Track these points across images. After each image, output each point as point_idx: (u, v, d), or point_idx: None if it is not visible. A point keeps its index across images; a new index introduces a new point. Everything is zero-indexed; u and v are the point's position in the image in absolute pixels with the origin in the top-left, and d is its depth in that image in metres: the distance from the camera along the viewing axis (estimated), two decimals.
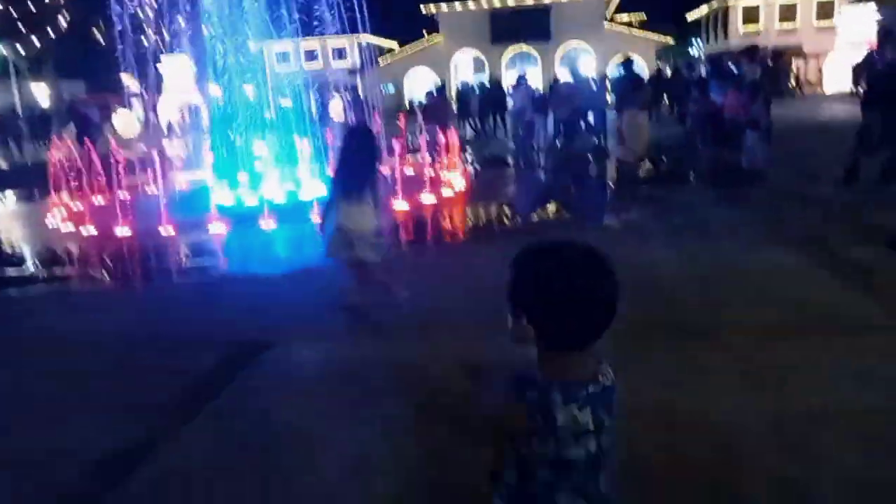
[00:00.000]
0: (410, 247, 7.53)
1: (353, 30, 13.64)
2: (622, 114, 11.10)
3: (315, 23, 12.30)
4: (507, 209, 9.29)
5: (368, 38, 42.15)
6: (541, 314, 1.28)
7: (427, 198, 9.66)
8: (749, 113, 9.32)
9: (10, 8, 42.43)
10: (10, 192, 14.42)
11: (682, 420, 3.10)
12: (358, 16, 12.27)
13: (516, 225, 8.25)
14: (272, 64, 15.42)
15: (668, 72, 26.40)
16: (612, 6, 46.23)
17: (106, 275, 7.25)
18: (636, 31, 46.98)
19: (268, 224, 8.46)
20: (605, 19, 45.49)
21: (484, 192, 10.70)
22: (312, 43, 40.60)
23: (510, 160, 15.01)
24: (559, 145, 15.44)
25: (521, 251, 1.33)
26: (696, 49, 56.01)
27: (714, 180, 9.54)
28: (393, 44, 46.26)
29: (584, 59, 43.77)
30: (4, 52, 45.14)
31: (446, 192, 10.23)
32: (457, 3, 41.70)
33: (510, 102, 18.83)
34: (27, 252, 8.72)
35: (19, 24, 41.78)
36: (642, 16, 54.71)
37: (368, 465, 2.90)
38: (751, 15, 43.51)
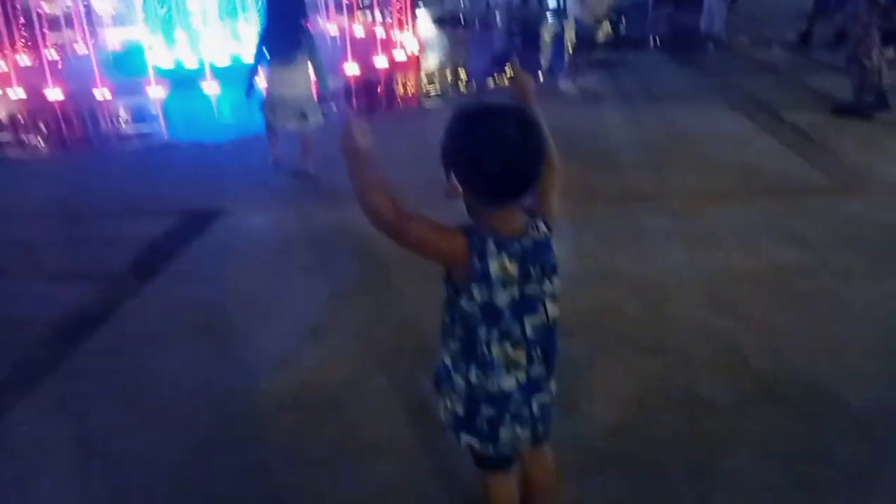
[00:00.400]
0: (358, 113, 7.35)
1: None
2: None
3: None
4: (461, 73, 9.04)
5: None
6: (462, 170, 1.35)
7: (378, 60, 9.28)
8: None
9: None
10: None
11: (619, 278, 3.27)
12: None
13: (471, 90, 8.07)
14: None
15: None
16: None
17: (41, 141, 6.90)
18: None
19: (210, 87, 8.06)
20: None
21: (438, 55, 10.33)
22: None
23: (465, 20, 14.39)
24: (515, 4, 14.85)
25: (452, 112, 1.37)
26: None
27: (672, 44, 9.39)
28: None
29: None
30: None
31: (398, 55, 9.83)
32: None
33: None
34: None
35: None
36: None
37: (325, 325, 3.00)
38: None
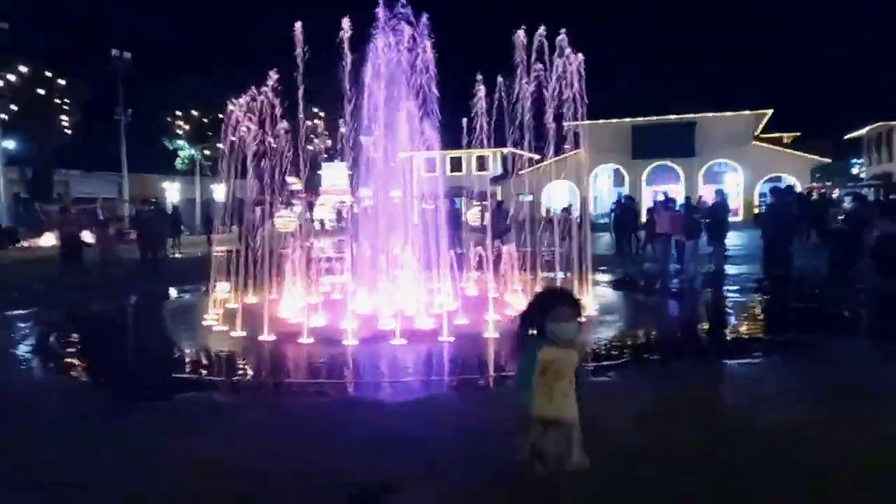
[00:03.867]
0: None
1: (498, 144, 14.19)
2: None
3: (464, 138, 12.97)
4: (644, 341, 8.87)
5: (511, 150, 43.92)
6: None
7: None
8: None
9: (203, 118, 49.40)
10: (181, 285, 15.80)
11: None
12: (502, 130, 12.72)
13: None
14: (419, 170, 16.18)
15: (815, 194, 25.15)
16: (763, 122, 45.07)
17: (244, 386, 7.42)
18: (789, 149, 45.13)
19: (400, 340, 8.63)
20: (754, 136, 44.24)
21: (616, 320, 10.33)
22: (456, 152, 43.03)
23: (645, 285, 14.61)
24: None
25: None
26: (857, 168, 52.75)
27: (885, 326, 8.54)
28: (535, 155, 47.61)
29: (730, 177, 42.52)
30: (194, 154, 52.19)
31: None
32: (599, 119, 42.42)
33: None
34: (166, 356, 9.01)
35: (206, 132, 48.33)
36: (796, 133, 52.69)
37: None
38: None
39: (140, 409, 6.19)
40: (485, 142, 12.46)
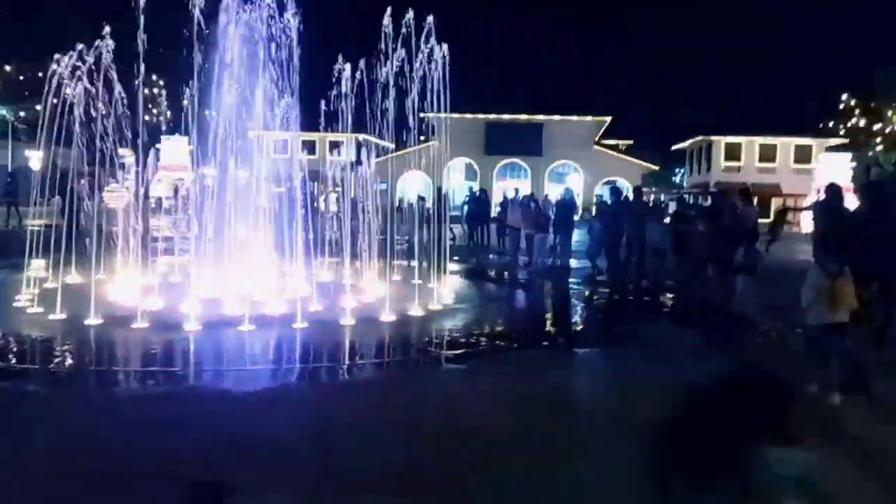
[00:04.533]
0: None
1: (355, 130, 13.85)
2: None
3: (319, 120, 12.49)
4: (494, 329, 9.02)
5: (367, 137, 43.47)
6: None
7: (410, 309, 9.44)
8: (745, 258, 9.23)
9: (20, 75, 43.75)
10: None
11: None
12: (358, 116, 12.44)
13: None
14: (269, 151, 15.42)
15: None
16: (602, 129, 48.35)
17: (64, 375, 6.53)
18: (624, 156, 48.89)
19: (248, 325, 8.06)
20: (595, 141, 47.38)
21: (469, 309, 10.45)
22: (311, 135, 41.72)
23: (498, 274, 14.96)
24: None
25: None
26: (680, 177, 58.45)
27: (705, 324, 9.26)
28: (390, 144, 47.49)
29: (573, 178, 45.21)
30: (5, 114, 46.05)
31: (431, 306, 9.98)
32: (454, 114, 43.11)
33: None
34: None
35: (24, 91, 42.87)
36: (630, 141, 57.16)
37: None
38: (733, 151, 45.60)
39: None
40: (341, 126, 12.09)
